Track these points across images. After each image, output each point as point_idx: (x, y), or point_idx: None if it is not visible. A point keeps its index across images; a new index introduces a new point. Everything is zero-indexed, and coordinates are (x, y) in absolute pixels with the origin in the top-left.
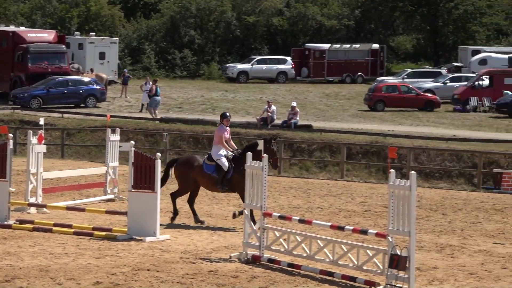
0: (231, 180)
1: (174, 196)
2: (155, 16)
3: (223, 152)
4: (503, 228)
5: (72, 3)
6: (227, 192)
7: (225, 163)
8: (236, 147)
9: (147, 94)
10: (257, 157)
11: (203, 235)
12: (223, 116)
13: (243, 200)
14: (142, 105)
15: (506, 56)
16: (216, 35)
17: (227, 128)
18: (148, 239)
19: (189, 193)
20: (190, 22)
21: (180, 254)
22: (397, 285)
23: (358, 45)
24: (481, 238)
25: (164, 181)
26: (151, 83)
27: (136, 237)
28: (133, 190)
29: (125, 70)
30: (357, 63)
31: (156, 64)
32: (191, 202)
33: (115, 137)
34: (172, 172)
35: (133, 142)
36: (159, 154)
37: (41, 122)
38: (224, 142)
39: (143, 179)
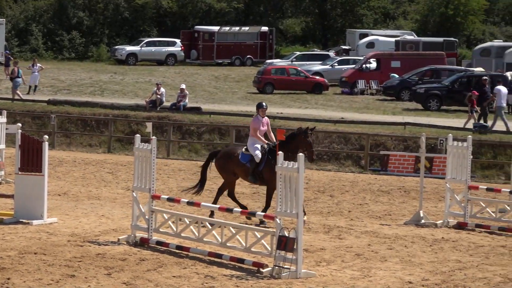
0: (262, 173)
1: (221, 191)
2: None
3: (258, 144)
4: (389, 209)
5: None
6: (262, 185)
7: (258, 155)
8: (275, 140)
9: (9, 77)
10: (294, 148)
11: (91, 218)
12: (258, 106)
13: (269, 194)
14: (30, 87)
15: (393, 39)
16: (105, 17)
17: (264, 119)
18: (35, 222)
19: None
20: (79, 4)
21: (68, 237)
22: (285, 266)
23: (247, 28)
24: (368, 219)
25: (203, 173)
26: (38, 64)
27: (23, 220)
28: (20, 172)
29: (6, 51)
30: (246, 45)
31: (44, 45)
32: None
33: (1, 119)
34: (212, 164)
35: (19, 125)
36: (46, 137)
37: None
38: (259, 135)
39: (30, 161)
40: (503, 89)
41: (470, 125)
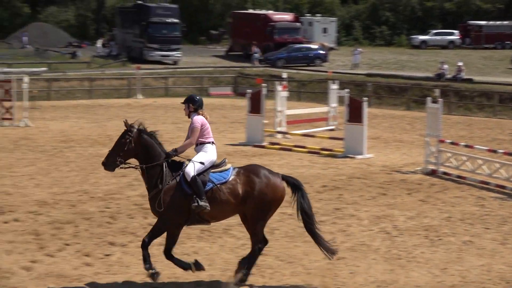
0: None
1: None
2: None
3: None
4: None
5: None
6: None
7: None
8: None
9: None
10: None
11: (396, 154)
12: None
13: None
14: (353, 64)
15: None
16: (405, 15)
17: None
18: (358, 157)
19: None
20: (386, 6)
21: (380, 168)
22: None
23: (506, 22)
24: None
25: None
26: (359, 49)
27: (350, 155)
28: (347, 123)
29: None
30: (506, 34)
31: (362, 36)
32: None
33: (334, 86)
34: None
35: (347, 90)
36: (365, 98)
37: (284, 75)
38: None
39: (354, 115)
40: None
41: None
